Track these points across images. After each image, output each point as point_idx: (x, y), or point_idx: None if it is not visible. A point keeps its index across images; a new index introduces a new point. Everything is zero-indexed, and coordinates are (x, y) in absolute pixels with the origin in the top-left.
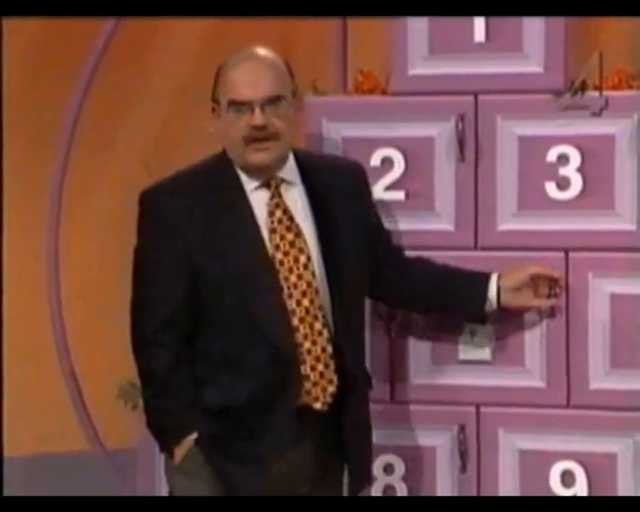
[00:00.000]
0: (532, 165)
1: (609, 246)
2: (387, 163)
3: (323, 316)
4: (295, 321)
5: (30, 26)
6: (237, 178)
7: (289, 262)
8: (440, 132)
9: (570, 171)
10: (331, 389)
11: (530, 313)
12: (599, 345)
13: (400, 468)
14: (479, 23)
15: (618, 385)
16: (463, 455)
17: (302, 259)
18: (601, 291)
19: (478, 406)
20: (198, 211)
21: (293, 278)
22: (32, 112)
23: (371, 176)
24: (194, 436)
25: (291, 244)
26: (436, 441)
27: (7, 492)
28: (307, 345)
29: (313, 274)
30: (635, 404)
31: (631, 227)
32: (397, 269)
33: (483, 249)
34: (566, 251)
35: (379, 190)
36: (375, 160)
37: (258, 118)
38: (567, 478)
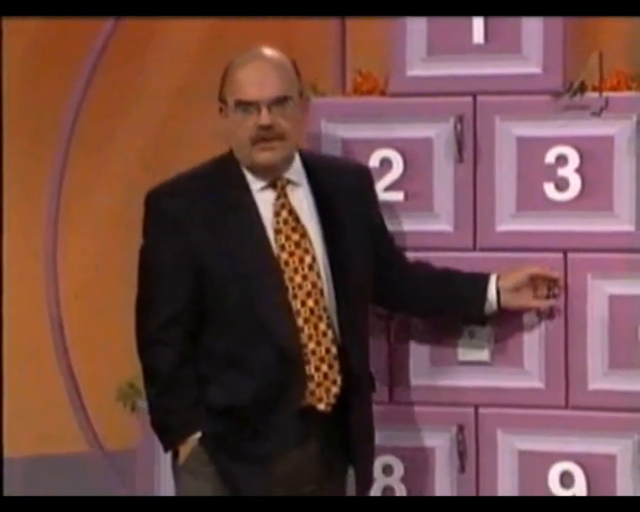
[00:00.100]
0: (531, 166)
1: (608, 247)
2: (385, 164)
3: (328, 317)
4: (300, 322)
5: (30, 26)
6: (243, 178)
7: (294, 262)
8: (439, 133)
9: (569, 172)
10: (335, 390)
11: (528, 315)
12: (597, 346)
13: (399, 469)
14: (478, 24)
15: (616, 385)
16: (462, 456)
17: (307, 259)
18: (599, 292)
19: (477, 407)
20: (203, 211)
21: (298, 279)
22: (32, 112)
23: None
24: (198, 435)
25: (297, 244)
26: (435, 442)
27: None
28: (311, 345)
29: (318, 275)
30: (634, 405)
31: (629, 228)
32: (398, 271)
33: (482, 250)
34: (565, 252)
35: (378, 191)
36: (374, 161)
37: (265, 118)
38: (566, 479)
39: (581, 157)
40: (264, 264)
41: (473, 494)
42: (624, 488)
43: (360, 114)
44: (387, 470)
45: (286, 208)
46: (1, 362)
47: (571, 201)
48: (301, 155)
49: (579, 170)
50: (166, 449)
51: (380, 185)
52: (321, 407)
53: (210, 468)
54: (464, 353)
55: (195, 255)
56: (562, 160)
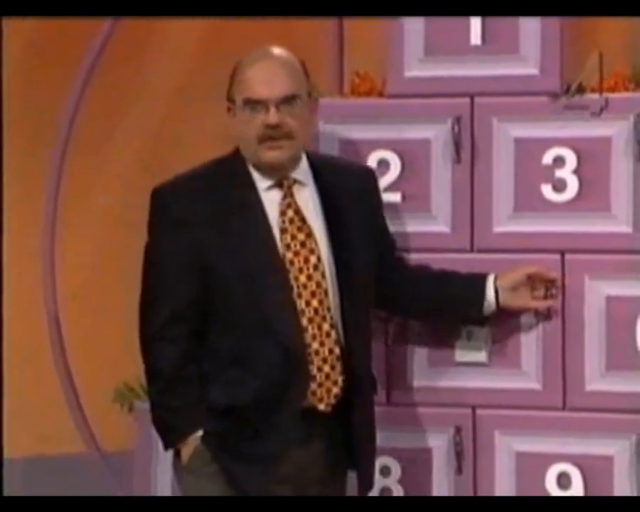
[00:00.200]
0: (529, 167)
1: (605, 248)
2: (383, 165)
3: (332, 317)
4: (304, 322)
5: (28, 26)
6: (250, 177)
7: (299, 262)
8: (436, 134)
9: (566, 173)
10: (336, 390)
11: (526, 316)
12: (594, 347)
13: (396, 470)
14: (475, 25)
15: (614, 387)
16: (459, 457)
17: (312, 259)
18: (597, 293)
19: (474, 408)
20: (209, 209)
21: (302, 278)
22: (31, 112)
23: None
24: (199, 434)
25: (302, 244)
26: (433, 443)
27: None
28: (315, 345)
29: (323, 275)
30: (631, 406)
31: (626, 229)
32: (399, 272)
33: (480, 251)
34: (562, 253)
35: None
36: (372, 162)
37: (273, 117)
38: (564, 480)
39: (578, 158)
40: (270, 262)
41: (471, 495)
42: (621, 489)
43: (358, 115)
44: (385, 471)
45: (292, 208)
46: (1, 363)
47: (568, 202)
48: (307, 155)
49: (576, 171)
50: (166, 448)
51: None
52: (322, 407)
53: (213, 468)
54: (462, 355)
55: (200, 253)
56: (559, 161)
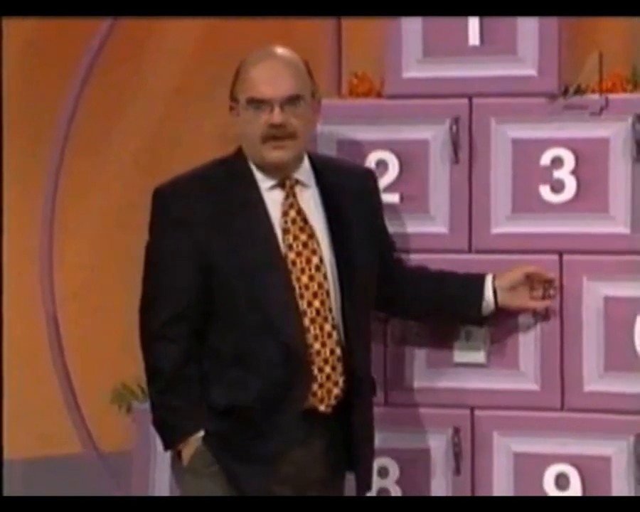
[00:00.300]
0: (527, 168)
1: (603, 249)
2: (381, 165)
3: (333, 318)
4: (306, 322)
5: (27, 26)
6: (253, 176)
7: (301, 262)
8: (435, 135)
9: (564, 173)
10: (336, 391)
11: (524, 316)
12: (593, 347)
13: (394, 471)
14: (473, 26)
15: (612, 387)
16: (457, 458)
17: (314, 260)
18: (595, 294)
19: (472, 409)
20: (211, 208)
21: (304, 279)
22: (31, 112)
23: None
24: (200, 434)
25: (304, 245)
26: (431, 444)
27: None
28: (317, 346)
29: (325, 276)
30: (629, 407)
31: (624, 230)
32: (398, 273)
33: (478, 252)
34: (560, 254)
35: None
36: (370, 163)
37: (277, 117)
38: (562, 480)
39: (576, 159)
40: (271, 262)
41: (469, 496)
42: (619, 489)
43: (356, 116)
44: (383, 472)
45: (294, 208)
46: (1, 363)
47: (566, 203)
48: (309, 156)
49: (574, 172)
50: (166, 448)
51: None
52: (322, 408)
53: (214, 468)
54: (460, 355)
55: (201, 253)
56: (557, 162)
